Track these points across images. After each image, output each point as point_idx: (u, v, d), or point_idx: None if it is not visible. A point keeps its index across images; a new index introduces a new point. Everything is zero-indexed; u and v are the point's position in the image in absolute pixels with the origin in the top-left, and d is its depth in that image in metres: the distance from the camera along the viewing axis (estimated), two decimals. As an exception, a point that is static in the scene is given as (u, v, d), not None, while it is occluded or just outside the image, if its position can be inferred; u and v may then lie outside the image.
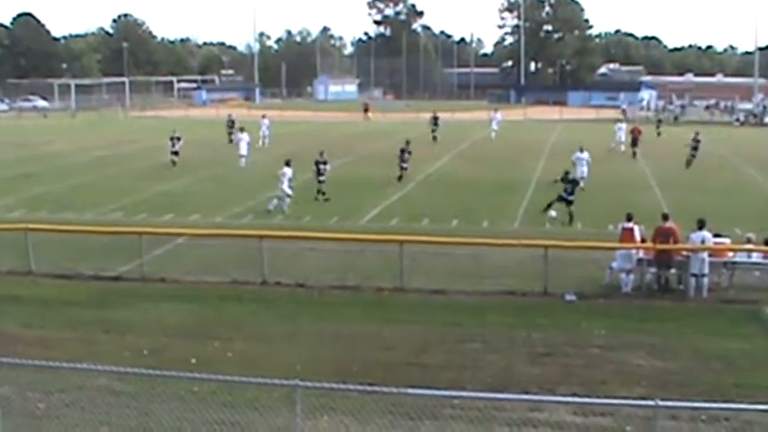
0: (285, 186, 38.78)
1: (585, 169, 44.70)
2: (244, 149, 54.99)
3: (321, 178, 42.20)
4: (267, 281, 26.20)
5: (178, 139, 55.27)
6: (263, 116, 71.89)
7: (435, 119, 75.73)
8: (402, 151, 48.38)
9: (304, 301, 24.44)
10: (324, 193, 41.86)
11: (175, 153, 54.80)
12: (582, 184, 41.54)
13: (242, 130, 57.27)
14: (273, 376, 14.02)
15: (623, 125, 68.30)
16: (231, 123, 70.77)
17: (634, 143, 61.68)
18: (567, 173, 37.69)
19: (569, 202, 36.62)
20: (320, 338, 20.76)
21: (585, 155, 45.23)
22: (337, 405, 13.96)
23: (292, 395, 12.32)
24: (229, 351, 19.59)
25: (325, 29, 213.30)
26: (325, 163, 42.67)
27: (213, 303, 24.02)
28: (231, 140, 67.69)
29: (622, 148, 63.89)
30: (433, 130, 74.29)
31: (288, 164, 39.70)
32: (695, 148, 55.06)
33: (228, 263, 28.03)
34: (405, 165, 48.23)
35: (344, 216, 37.47)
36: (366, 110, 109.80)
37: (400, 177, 47.54)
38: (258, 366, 17.30)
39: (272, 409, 14.02)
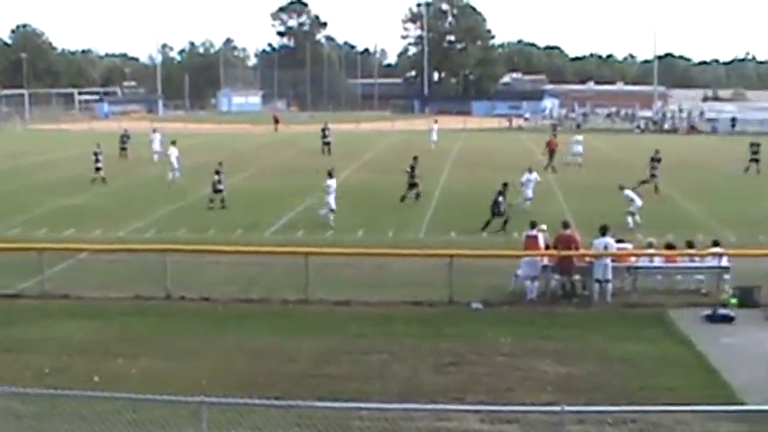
0: (331, 200, 38.70)
1: (531, 192, 42.26)
2: (175, 163, 54.02)
3: (219, 187, 42.71)
4: (171, 295, 25.96)
5: (101, 153, 53.66)
6: (154, 130, 69.39)
7: (325, 130, 74.56)
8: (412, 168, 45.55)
9: (209, 315, 24.28)
10: (222, 201, 42.55)
11: (99, 169, 52.86)
12: (529, 205, 41.08)
13: (173, 143, 55.64)
14: (179, 392, 13.90)
15: (580, 137, 66.05)
16: (125, 139, 68.94)
17: (551, 155, 59.80)
18: (505, 185, 38.01)
19: (501, 214, 36.89)
20: (226, 352, 20.68)
21: (534, 176, 42.86)
22: (244, 420, 13.82)
23: (198, 412, 12.21)
24: (134, 368, 19.37)
25: (229, 40, 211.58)
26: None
27: (117, 319, 23.69)
28: (124, 155, 66.43)
29: (579, 160, 62.23)
30: (325, 143, 73.32)
31: (330, 175, 39.60)
32: (756, 153, 56.47)
33: (132, 278, 27.65)
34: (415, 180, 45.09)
35: (249, 228, 37.27)
36: (276, 121, 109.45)
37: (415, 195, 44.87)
38: (163, 383, 17.18)
39: (177, 427, 13.87)
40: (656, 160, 48.68)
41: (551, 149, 60.40)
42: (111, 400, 13.98)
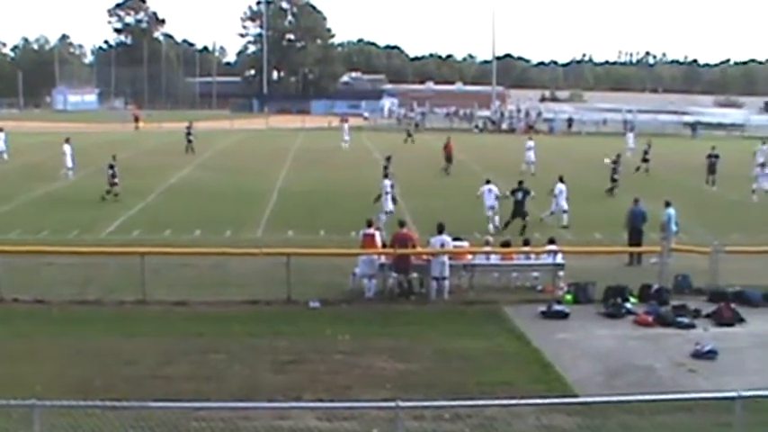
0: (388, 201, 38.73)
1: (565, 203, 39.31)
2: (69, 161, 53.46)
3: (115, 180, 44.31)
4: (4, 298, 25.32)
5: None
6: (0, 129, 68.11)
7: (189, 129, 73.55)
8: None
9: (43, 317, 23.75)
10: (116, 194, 44.10)
11: None
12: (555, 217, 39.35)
13: (67, 140, 54.49)
14: (11, 397, 13.64)
15: (532, 143, 62.07)
16: None
17: (448, 159, 58.29)
18: (520, 183, 38.01)
19: (524, 215, 36.77)
20: (61, 356, 20.27)
21: (563, 186, 39.42)
22: (79, 424, 13.62)
23: (31, 416, 12.03)
24: (-36, 374, 18.86)
25: (65, 36, 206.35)
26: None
27: (-55, 324, 23.00)
28: None
29: (532, 169, 58.05)
30: (189, 140, 72.24)
31: (386, 175, 41.08)
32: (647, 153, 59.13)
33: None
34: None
35: (85, 228, 36.62)
36: (137, 119, 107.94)
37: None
38: (-4, 388, 16.78)
39: (9, 433, 13.62)
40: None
41: (449, 153, 58.95)
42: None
